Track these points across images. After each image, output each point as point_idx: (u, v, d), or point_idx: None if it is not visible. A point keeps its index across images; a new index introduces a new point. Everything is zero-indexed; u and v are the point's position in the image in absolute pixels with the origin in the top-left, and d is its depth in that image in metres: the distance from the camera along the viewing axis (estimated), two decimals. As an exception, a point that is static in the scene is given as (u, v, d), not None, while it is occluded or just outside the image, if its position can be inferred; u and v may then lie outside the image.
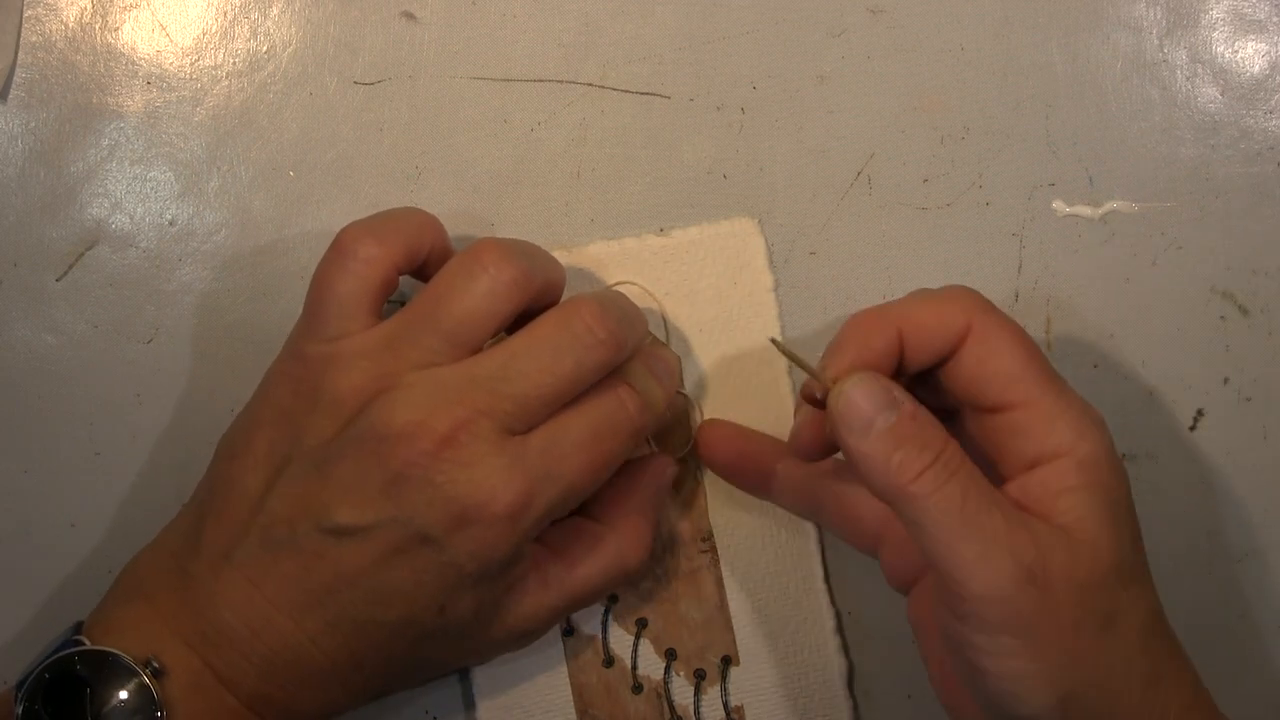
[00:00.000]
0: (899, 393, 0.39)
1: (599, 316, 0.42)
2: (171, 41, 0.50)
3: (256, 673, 0.42)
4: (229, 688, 0.42)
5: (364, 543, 0.41)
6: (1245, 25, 0.50)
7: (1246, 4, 0.50)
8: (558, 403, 0.42)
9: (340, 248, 0.43)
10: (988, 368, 0.41)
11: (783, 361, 0.49)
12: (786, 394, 0.49)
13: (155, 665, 0.41)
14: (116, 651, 0.41)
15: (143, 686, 0.41)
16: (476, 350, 0.42)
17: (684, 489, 0.48)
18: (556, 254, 0.48)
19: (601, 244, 0.49)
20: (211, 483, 0.44)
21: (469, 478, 0.40)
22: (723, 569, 0.48)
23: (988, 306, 0.42)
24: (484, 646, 0.44)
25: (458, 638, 0.43)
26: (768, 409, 0.49)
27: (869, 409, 0.39)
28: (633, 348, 0.44)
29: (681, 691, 0.48)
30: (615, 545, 0.45)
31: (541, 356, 0.42)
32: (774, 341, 0.42)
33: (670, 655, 0.48)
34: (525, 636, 0.44)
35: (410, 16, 0.50)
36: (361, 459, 0.41)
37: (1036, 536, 0.38)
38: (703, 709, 0.48)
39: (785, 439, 0.46)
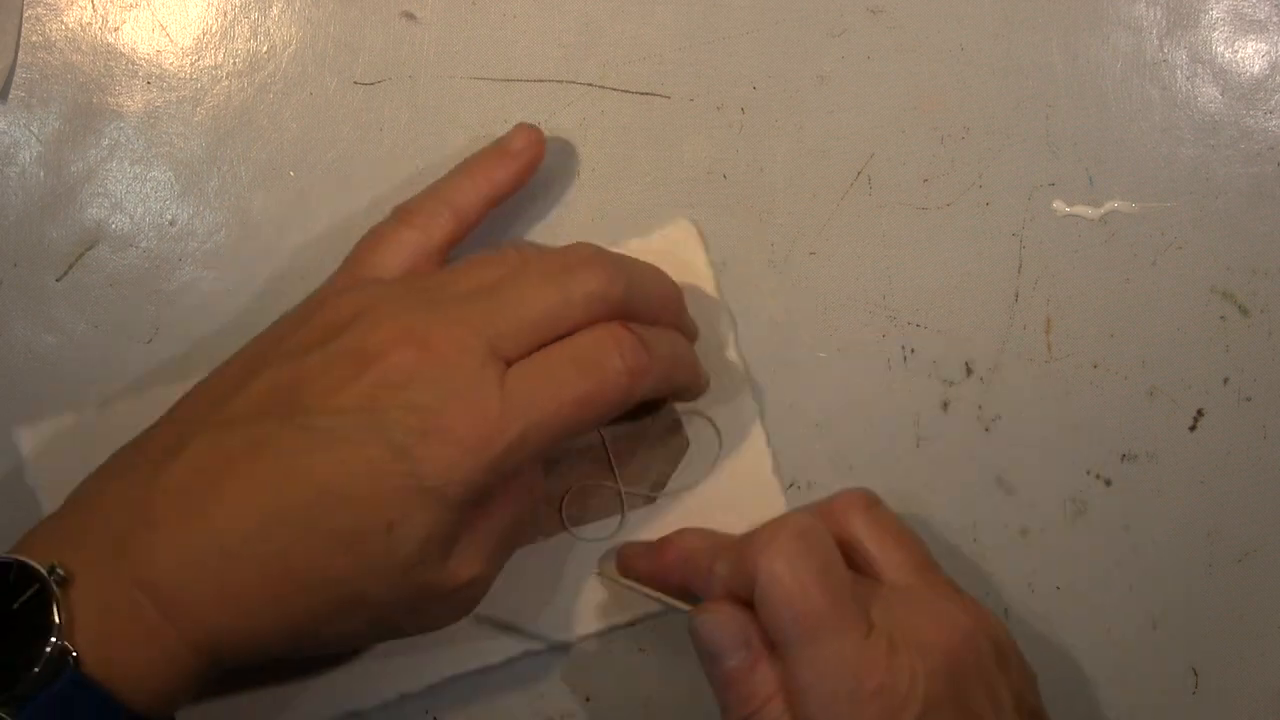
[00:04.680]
0: (752, 638, 0.41)
1: (599, 258, 0.42)
2: (171, 41, 0.50)
3: (175, 566, 0.39)
4: (145, 590, 0.39)
5: (328, 438, 0.39)
6: (1245, 25, 0.50)
7: (1246, 4, 0.50)
8: (549, 332, 0.41)
9: (396, 215, 0.45)
10: (762, 615, 0.41)
11: (742, 369, 0.49)
12: (745, 393, 0.49)
13: (60, 573, 0.38)
14: (19, 558, 0.38)
15: (41, 594, 0.38)
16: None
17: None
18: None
19: None
20: (188, 392, 0.43)
21: (446, 393, 0.39)
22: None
23: (785, 550, 0.41)
24: (426, 602, 0.42)
25: (400, 577, 0.40)
26: (733, 408, 0.49)
27: (718, 644, 0.42)
28: (639, 299, 0.43)
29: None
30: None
31: (533, 284, 0.42)
32: (600, 575, 0.47)
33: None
34: (470, 585, 0.42)
35: (410, 16, 0.50)
36: (343, 361, 0.40)
37: None
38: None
39: (757, 439, 0.49)
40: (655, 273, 0.45)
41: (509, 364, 0.41)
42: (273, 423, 0.40)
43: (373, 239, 0.45)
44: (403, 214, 0.46)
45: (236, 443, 0.40)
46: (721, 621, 0.42)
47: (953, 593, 0.45)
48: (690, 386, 0.46)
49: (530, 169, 0.47)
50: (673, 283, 0.45)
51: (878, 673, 0.40)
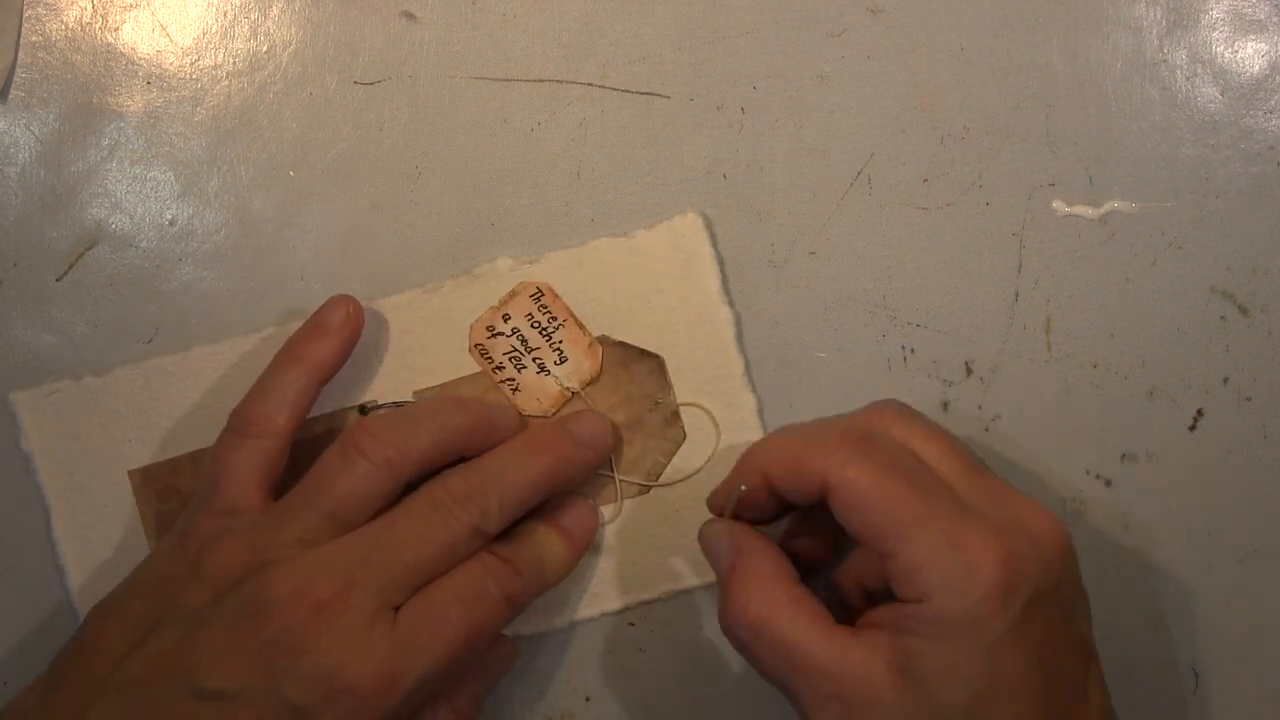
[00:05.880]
0: (742, 539, 0.43)
1: (463, 491, 0.43)
2: (171, 41, 0.50)
3: None
4: None
5: (231, 707, 0.40)
6: (1245, 25, 0.50)
7: (1246, 4, 0.50)
8: (431, 573, 0.42)
9: (234, 426, 0.45)
10: (849, 521, 0.41)
11: (741, 363, 0.49)
12: (743, 388, 0.49)
13: None
14: None
15: None
16: (357, 527, 0.43)
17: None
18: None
19: (561, 251, 0.49)
20: (75, 644, 0.43)
21: (339, 650, 0.40)
22: None
23: (854, 456, 0.41)
24: None
25: None
26: (731, 402, 0.49)
27: (714, 551, 0.44)
28: (509, 508, 0.44)
29: None
30: None
31: (413, 528, 0.42)
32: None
33: None
34: None
35: (410, 16, 0.50)
36: (237, 624, 0.41)
37: (847, 665, 0.40)
38: None
39: (754, 433, 0.48)
40: (521, 458, 0.45)
41: (397, 609, 0.42)
42: (170, 687, 0.40)
43: (221, 459, 0.45)
44: (241, 424, 0.45)
45: (143, 712, 0.40)
46: (715, 532, 0.44)
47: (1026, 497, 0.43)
48: (563, 570, 0.46)
49: (352, 342, 0.47)
50: (539, 454, 0.45)
51: (985, 546, 0.39)
